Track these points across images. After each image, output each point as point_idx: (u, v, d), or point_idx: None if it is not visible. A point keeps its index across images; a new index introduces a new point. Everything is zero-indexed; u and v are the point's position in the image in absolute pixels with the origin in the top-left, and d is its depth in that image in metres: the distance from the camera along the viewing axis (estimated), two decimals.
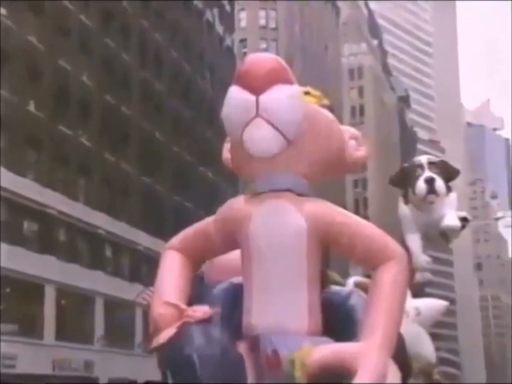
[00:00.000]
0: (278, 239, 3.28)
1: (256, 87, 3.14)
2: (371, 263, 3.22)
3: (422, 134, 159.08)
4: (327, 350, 3.06)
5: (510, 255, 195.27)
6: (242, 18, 73.45)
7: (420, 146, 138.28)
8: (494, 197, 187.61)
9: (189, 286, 3.63)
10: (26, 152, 35.64)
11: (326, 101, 3.55)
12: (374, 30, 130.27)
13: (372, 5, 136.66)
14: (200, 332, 3.26)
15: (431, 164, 6.03)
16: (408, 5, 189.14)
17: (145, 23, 47.77)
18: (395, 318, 3.10)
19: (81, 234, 39.37)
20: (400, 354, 3.11)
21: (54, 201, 36.21)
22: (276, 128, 3.15)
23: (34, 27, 36.51)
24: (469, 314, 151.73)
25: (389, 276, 3.14)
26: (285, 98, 3.17)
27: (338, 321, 3.25)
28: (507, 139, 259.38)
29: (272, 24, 75.77)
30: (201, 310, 3.33)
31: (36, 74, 36.01)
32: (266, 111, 3.14)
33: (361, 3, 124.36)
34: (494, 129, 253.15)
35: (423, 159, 6.15)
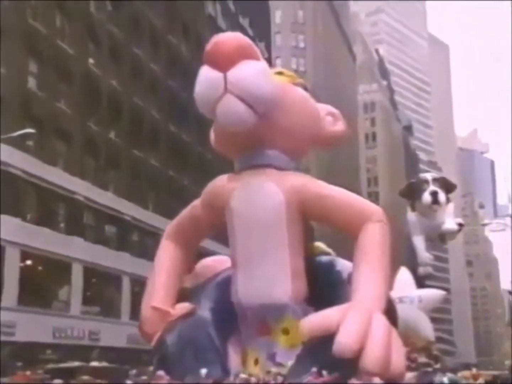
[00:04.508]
0: (258, 214, 3.00)
1: (223, 64, 2.74)
2: (352, 228, 2.95)
3: (422, 156, 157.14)
4: (316, 319, 2.86)
5: (494, 254, 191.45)
6: (278, 64, 73.52)
7: (421, 166, 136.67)
8: (481, 207, 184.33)
9: (181, 278, 3.39)
10: (108, 170, 35.92)
11: (300, 80, 3.20)
12: (383, 72, 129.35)
13: (381, 52, 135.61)
14: (177, 327, 3.10)
15: (434, 180, 5.98)
16: (409, 52, 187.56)
17: (172, 39, 44.94)
18: (379, 275, 2.84)
19: (149, 235, 39.44)
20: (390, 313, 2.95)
21: (129, 209, 36.48)
22: (245, 102, 2.77)
23: (115, 73, 36.95)
24: (462, 302, 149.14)
25: (368, 237, 2.85)
26: (251, 72, 2.76)
27: (326, 285, 3.05)
28: (492, 161, 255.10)
29: (302, 68, 75.74)
30: (180, 308, 3.16)
31: (117, 110, 36.36)
32: (234, 86, 2.75)
33: (373, 50, 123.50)
34: (481, 153, 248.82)
35: (428, 176, 6.10)
